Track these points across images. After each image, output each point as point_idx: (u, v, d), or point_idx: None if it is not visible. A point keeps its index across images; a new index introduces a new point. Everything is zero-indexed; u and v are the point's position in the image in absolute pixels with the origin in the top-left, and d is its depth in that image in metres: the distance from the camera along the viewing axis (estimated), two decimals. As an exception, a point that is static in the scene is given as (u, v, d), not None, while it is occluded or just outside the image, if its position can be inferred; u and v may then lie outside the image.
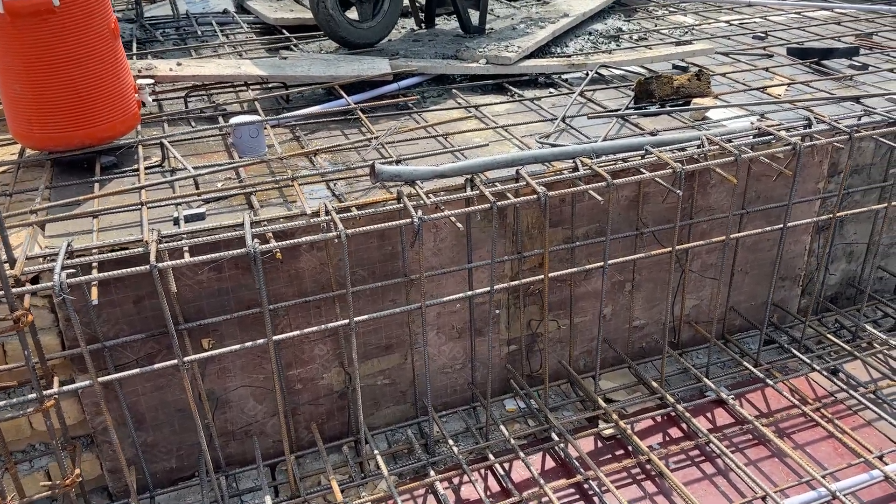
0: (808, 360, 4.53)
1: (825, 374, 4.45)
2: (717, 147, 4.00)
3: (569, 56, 5.91)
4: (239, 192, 3.79)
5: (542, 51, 5.93)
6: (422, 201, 3.53)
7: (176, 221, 3.49)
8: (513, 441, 3.97)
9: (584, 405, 4.50)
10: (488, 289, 3.73)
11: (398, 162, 3.92)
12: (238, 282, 3.64)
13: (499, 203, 3.50)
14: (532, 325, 4.46)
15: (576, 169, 3.89)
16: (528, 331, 4.47)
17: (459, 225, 3.41)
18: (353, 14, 5.75)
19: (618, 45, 6.38)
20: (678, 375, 4.69)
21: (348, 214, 3.48)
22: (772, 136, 4.13)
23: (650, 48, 6.25)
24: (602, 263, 3.92)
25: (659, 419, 4.31)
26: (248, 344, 3.44)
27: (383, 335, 4.08)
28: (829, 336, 4.76)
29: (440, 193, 3.78)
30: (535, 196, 3.57)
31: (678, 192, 3.77)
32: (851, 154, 4.19)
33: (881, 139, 4.26)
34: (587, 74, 5.45)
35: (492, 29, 6.35)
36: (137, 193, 3.72)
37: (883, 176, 4.94)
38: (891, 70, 5.67)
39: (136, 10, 7.01)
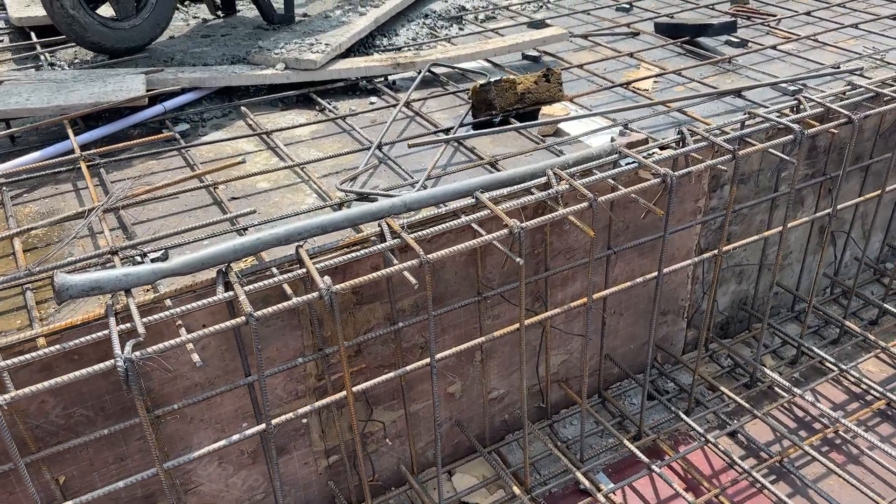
0: (699, 430, 3.68)
1: (719, 449, 3.62)
2: (569, 186, 3.00)
3: (398, 49, 4.78)
4: None
5: (364, 44, 4.78)
6: (155, 318, 2.37)
7: None
8: None
9: (433, 518, 3.52)
10: (263, 426, 2.62)
11: (114, 253, 2.71)
12: None
13: (258, 314, 2.37)
14: (357, 426, 3.40)
15: (383, 235, 2.81)
16: (352, 433, 3.41)
17: (196, 357, 2.28)
18: (109, 11, 4.40)
19: (461, 29, 5.31)
20: (550, 457, 3.76)
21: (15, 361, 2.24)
22: (635, 163, 3.17)
23: (499, 32, 5.20)
24: (428, 360, 2.88)
25: (525, 531, 3.38)
26: None
27: (138, 485, 2.93)
28: (722, 388, 3.93)
29: (185, 294, 2.64)
30: (315, 295, 2.47)
31: (519, 259, 2.76)
32: (735, 175, 3.30)
33: (772, 151, 3.38)
34: (420, 73, 4.35)
35: (305, 15, 5.13)
36: None
37: (774, 184, 4.12)
38: (773, 47, 4.84)
39: None
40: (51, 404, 2.61)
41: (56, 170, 3.39)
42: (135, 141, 3.50)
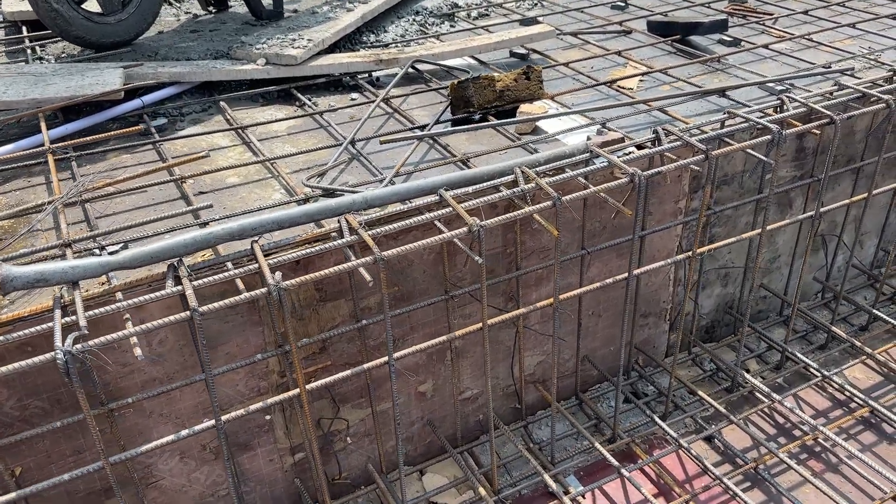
0: (673, 434, 3.62)
1: (692, 454, 3.55)
2: (536, 185, 2.96)
3: (385, 46, 4.76)
4: None
5: (351, 40, 4.76)
6: (100, 312, 2.36)
7: None
8: None
9: (401, 517, 3.48)
10: (212, 423, 2.61)
11: (68, 246, 2.71)
12: None
13: (202, 309, 2.36)
14: (323, 424, 3.39)
15: (342, 232, 2.78)
16: (319, 431, 3.40)
17: (138, 351, 2.27)
18: (96, 6, 4.42)
19: (452, 26, 5.27)
20: (523, 458, 3.72)
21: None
22: (606, 163, 3.12)
23: (489, 29, 5.16)
24: (386, 359, 2.85)
25: (491, 533, 3.34)
26: None
27: (96, 475, 2.93)
28: (699, 392, 3.86)
29: (139, 287, 2.63)
30: (262, 290, 2.45)
31: (478, 258, 2.72)
32: (712, 176, 3.24)
33: (750, 152, 3.31)
34: (402, 70, 4.32)
35: (294, 11, 5.12)
36: None
37: (758, 184, 4.04)
38: (766, 46, 4.76)
39: None
40: (4, 395, 2.61)
41: (25, 162, 3.40)
42: (106, 134, 3.51)
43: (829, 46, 4.72)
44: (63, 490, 2.89)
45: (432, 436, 3.73)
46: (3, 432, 2.64)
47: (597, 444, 3.55)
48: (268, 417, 3.21)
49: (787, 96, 3.61)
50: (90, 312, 2.29)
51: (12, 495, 2.39)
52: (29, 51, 4.68)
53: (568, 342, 3.88)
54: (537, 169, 3.11)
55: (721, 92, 4.01)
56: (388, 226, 2.75)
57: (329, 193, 3.15)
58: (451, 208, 2.85)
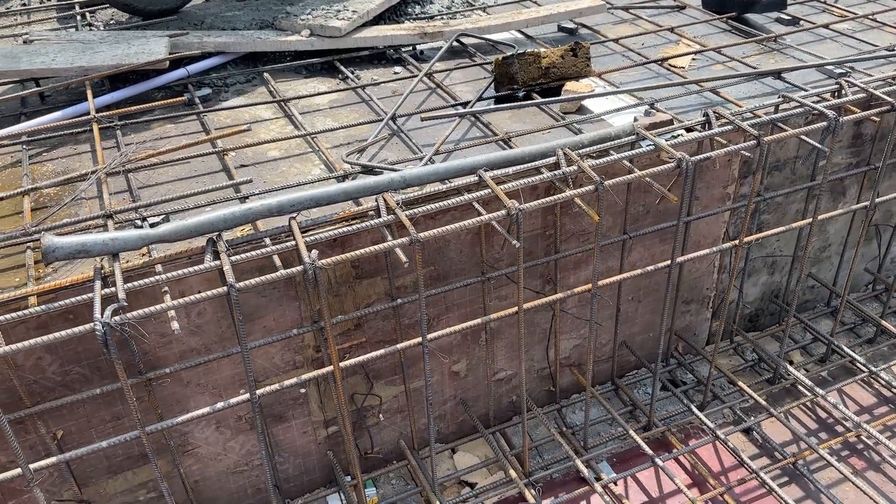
0: (710, 424, 3.55)
1: (729, 446, 3.48)
2: (579, 169, 2.88)
3: (430, 18, 4.68)
4: None
5: (396, 12, 4.69)
6: (139, 284, 2.38)
7: None
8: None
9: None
10: (246, 397, 2.63)
11: (110, 217, 2.73)
12: None
13: (240, 284, 2.37)
14: (356, 399, 3.41)
15: (379, 211, 2.76)
16: (352, 406, 3.42)
17: (175, 325, 2.29)
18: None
19: (499, -1, 5.16)
20: (555, 441, 3.69)
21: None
22: (652, 146, 3.03)
23: (537, 2, 5.04)
24: (419, 339, 2.84)
25: (521, 515, 3.34)
26: None
27: (134, 444, 2.99)
28: (739, 383, 3.78)
29: (179, 259, 2.65)
30: (298, 269, 2.45)
31: (516, 242, 2.68)
32: (763, 162, 3.12)
33: (803, 138, 3.18)
34: (447, 44, 4.25)
35: (340, -18, 5.05)
36: None
37: (811, 171, 3.90)
38: (826, 26, 4.55)
39: None
40: (47, 361, 2.67)
41: (72, 130, 3.44)
42: (150, 104, 3.53)
43: (894, 28, 4.50)
44: (102, 454, 2.96)
45: (465, 415, 3.73)
46: (46, 396, 2.71)
47: (631, 432, 3.50)
48: (303, 391, 3.24)
49: (847, 80, 3.45)
50: (129, 284, 2.32)
51: (53, 459, 2.45)
52: (79, 17, 4.72)
53: (606, 327, 3.82)
54: (581, 151, 3.04)
55: (777, 74, 3.85)
56: (426, 206, 2.71)
57: (368, 170, 3.12)
58: (490, 189, 2.80)
